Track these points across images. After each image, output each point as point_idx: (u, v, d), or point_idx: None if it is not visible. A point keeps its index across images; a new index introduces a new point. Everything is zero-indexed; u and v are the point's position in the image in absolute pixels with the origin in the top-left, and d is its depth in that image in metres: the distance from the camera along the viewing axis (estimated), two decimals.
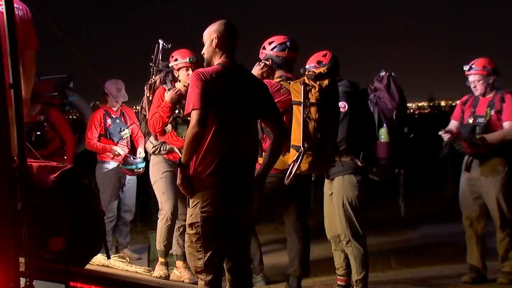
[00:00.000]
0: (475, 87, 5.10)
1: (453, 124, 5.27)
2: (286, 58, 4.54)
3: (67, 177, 2.88)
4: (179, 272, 4.89)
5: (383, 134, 4.49)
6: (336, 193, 4.57)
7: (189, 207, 3.26)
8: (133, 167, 5.79)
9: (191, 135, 3.14)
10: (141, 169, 5.80)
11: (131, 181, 6.09)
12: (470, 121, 5.05)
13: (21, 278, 2.36)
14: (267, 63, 4.51)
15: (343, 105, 4.41)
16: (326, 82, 4.04)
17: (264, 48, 4.60)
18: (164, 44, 5.13)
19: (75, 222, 2.85)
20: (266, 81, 4.17)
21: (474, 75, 5.09)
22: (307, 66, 4.65)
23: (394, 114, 4.56)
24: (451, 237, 6.31)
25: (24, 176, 2.40)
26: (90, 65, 4.17)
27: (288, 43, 4.54)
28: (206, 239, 3.21)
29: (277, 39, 4.58)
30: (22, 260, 2.39)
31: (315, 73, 4.06)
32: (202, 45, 3.45)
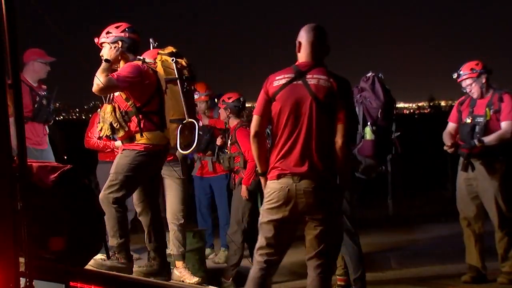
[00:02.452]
0: (470, 91, 5.14)
1: (451, 127, 5.28)
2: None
3: (67, 177, 2.88)
4: (179, 272, 4.88)
5: (367, 132, 4.54)
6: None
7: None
8: None
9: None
10: None
11: None
12: (468, 120, 5.06)
13: (21, 278, 2.36)
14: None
15: None
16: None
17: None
18: (153, 43, 5.14)
19: (75, 222, 2.85)
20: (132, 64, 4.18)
21: (465, 80, 5.13)
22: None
23: (379, 113, 4.59)
24: (451, 237, 6.32)
25: (24, 176, 2.40)
26: (90, 64, 4.16)
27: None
28: (262, 228, 3.49)
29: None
30: (22, 260, 2.39)
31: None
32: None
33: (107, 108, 4.14)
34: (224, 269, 5.56)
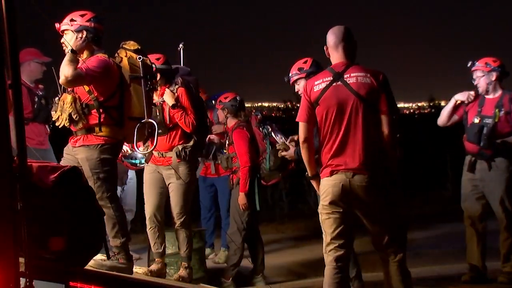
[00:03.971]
0: (477, 83, 5.11)
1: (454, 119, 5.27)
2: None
3: (67, 177, 2.87)
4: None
5: None
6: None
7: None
8: (137, 161, 5.73)
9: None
10: (144, 163, 5.77)
11: (131, 180, 6.08)
12: (476, 121, 5.02)
13: (21, 278, 2.36)
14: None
15: None
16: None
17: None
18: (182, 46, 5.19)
19: (75, 222, 2.84)
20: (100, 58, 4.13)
21: (476, 70, 5.10)
22: (290, 74, 4.75)
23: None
24: (451, 237, 6.32)
25: (24, 176, 2.40)
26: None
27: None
28: (324, 225, 3.67)
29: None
30: (22, 260, 2.39)
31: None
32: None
33: (67, 98, 4.07)
34: (224, 269, 5.56)
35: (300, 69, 4.72)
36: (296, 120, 3.77)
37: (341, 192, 3.58)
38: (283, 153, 4.87)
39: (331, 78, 3.63)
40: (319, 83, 3.66)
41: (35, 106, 5.64)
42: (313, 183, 3.80)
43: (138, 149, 4.37)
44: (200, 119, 4.85)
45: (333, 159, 3.62)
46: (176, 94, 4.74)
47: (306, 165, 3.79)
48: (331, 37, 3.72)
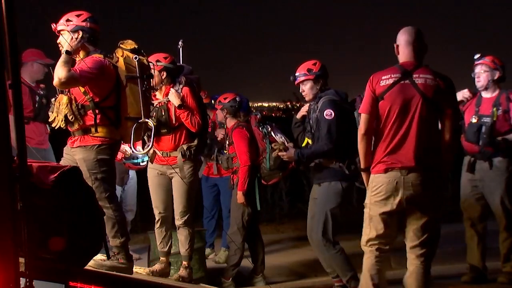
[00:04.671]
0: (478, 77, 5.09)
1: None
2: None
3: (67, 177, 2.87)
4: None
5: None
6: (320, 198, 4.67)
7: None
8: (139, 160, 5.72)
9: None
10: (145, 162, 5.76)
11: (132, 180, 6.08)
12: (474, 120, 5.02)
13: (21, 278, 2.36)
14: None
15: (329, 113, 4.56)
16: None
17: None
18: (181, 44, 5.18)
19: (75, 222, 2.84)
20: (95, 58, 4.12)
21: (482, 64, 5.09)
22: (297, 74, 4.76)
23: None
24: (451, 237, 6.31)
25: (24, 176, 2.40)
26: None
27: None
28: (371, 220, 3.73)
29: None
30: (22, 260, 2.39)
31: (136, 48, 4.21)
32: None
33: (63, 99, 4.06)
34: (224, 269, 5.56)
35: (309, 71, 4.75)
36: (359, 111, 3.83)
37: (395, 189, 3.65)
38: (281, 154, 4.89)
39: (400, 75, 3.69)
40: (387, 78, 3.71)
41: (36, 106, 5.64)
42: (363, 175, 3.86)
43: (135, 149, 4.35)
44: (204, 118, 4.85)
45: (389, 156, 3.68)
46: (181, 94, 4.74)
47: (362, 157, 3.83)
48: (404, 36, 3.80)
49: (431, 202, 3.72)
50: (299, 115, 4.96)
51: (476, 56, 5.15)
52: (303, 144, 4.87)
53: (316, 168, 4.77)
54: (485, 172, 5.05)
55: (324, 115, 4.59)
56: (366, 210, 3.80)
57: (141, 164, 5.74)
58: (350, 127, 4.44)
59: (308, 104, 4.89)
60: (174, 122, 4.75)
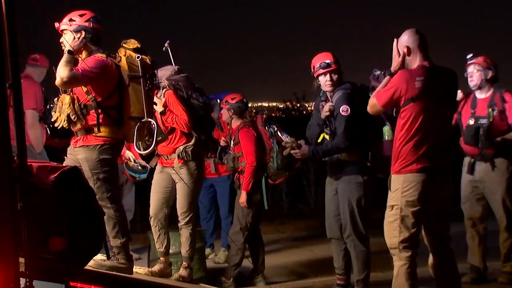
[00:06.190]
0: (471, 76, 5.08)
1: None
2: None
3: (67, 177, 2.87)
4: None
5: (386, 132, 4.49)
6: (342, 193, 4.61)
7: (390, 190, 3.81)
8: (137, 175, 5.74)
9: None
10: (142, 178, 5.76)
11: (129, 180, 6.07)
12: (471, 122, 5.01)
13: (21, 278, 2.35)
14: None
15: (345, 109, 4.47)
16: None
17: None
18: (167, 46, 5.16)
19: (75, 222, 2.84)
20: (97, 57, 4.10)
21: (474, 64, 5.08)
22: (315, 67, 4.65)
23: (394, 112, 4.58)
24: (452, 237, 6.30)
25: (24, 176, 2.40)
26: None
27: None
28: (403, 221, 3.75)
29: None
30: (22, 260, 2.39)
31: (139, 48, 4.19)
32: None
33: (66, 98, 4.05)
34: (225, 269, 5.55)
35: (328, 64, 4.63)
36: (377, 102, 3.84)
37: (427, 189, 3.74)
38: (293, 151, 4.75)
39: (430, 77, 3.74)
40: (421, 80, 3.71)
41: (47, 107, 5.67)
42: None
43: (137, 148, 4.34)
44: (199, 116, 4.81)
45: (422, 156, 3.73)
46: (163, 99, 4.72)
47: (383, 84, 3.89)
48: (416, 37, 3.83)
49: (447, 199, 4.01)
50: (323, 116, 4.71)
51: (469, 56, 5.15)
52: (319, 140, 4.76)
53: (335, 162, 4.70)
54: (485, 172, 5.05)
55: (341, 111, 4.52)
56: (394, 212, 3.77)
57: (138, 179, 5.75)
58: (366, 118, 4.37)
59: (329, 104, 4.67)
60: (164, 128, 4.77)
